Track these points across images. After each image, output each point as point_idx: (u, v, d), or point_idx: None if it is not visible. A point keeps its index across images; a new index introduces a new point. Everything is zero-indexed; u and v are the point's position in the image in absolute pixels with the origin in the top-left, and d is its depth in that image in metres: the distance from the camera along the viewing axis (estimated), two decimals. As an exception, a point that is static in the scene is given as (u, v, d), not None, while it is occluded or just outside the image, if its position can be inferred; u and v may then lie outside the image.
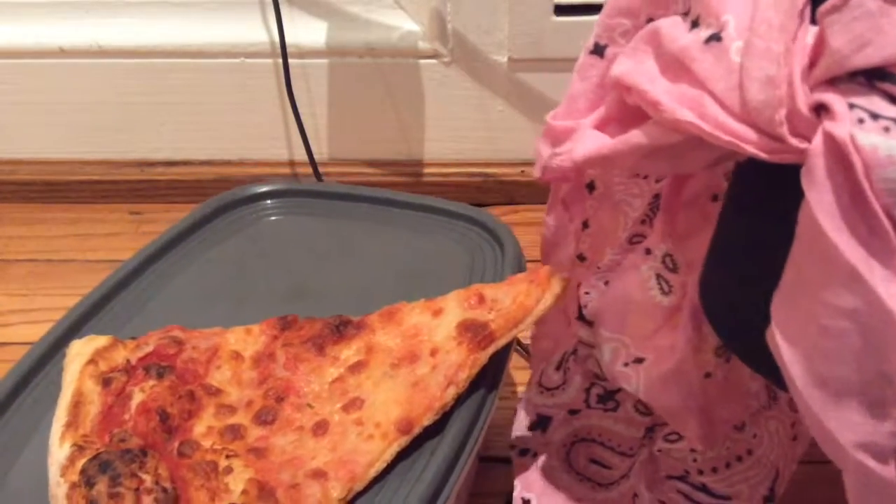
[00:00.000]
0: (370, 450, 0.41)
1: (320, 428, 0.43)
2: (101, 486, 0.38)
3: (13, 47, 0.87)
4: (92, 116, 0.91)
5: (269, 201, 0.65)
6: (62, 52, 0.87)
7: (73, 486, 0.38)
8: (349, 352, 0.46)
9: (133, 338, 0.48)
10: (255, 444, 0.42)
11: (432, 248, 0.59)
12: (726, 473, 0.50)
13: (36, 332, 0.51)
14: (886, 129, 0.26)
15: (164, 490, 0.38)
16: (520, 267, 0.55)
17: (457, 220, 0.62)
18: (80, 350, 0.46)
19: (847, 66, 0.26)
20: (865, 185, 0.25)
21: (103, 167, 0.94)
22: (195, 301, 0.55)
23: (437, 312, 0.47)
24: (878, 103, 0.26)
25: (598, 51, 0.39)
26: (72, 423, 0.42)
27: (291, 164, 0.94)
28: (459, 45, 0.85)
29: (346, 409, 0.44)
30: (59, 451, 0.41)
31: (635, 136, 0.33)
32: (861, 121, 0.26)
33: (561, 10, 0.80)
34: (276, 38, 0.83)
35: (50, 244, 0.89)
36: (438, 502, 0.41)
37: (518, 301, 0.46)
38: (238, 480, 0.40)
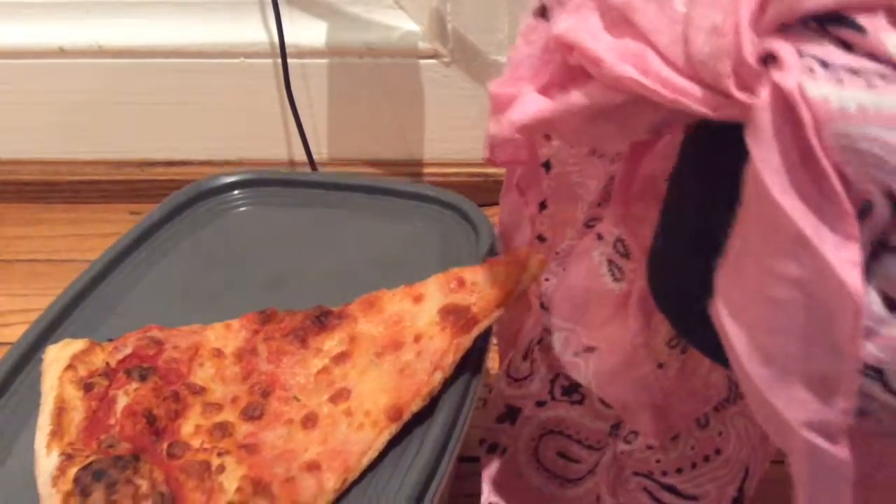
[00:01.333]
0: (362, 439, 0.41)
1: (309, 420, 0.42)
2: (98, 495, 0.37)
3: (13, 47, 0.87)
4: (92, 116, 0.92)
5: (236, 192, 0.63)
6: (62, 52, 0.87)
7: (67, 494, 0.38)
8: (332, 342, 0.46)
9: (110, 339, 0.47)
10: (245, 440, 0.42)
11: (405, 234, 0.58)
12: (692, 474, 0.48)
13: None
14: (839, 80, 0.23)
15: (161, 494, 0.38)
16: (494, 250, 0.54)
17: (429, 204, 0.60)
18: (56, 356, 0.45)
19: (798, 9, 0.24)
20: (815, 142, 0.23)
21: (103, 167, 0.94)
22: (170, 296, 0.54)
23: (417, 298, 0.47)
24: (830, 51, 0.23)
25: (542, 12, 0.37)
26: (56, 432, 0.41)
27: (291, 164, 0.94)
28: (459, 45, 0.84)
29: (333, 400, 0.43)
30: (46, 460, 0.40)
31: (576, 97, 0.31)
32: (811, 70, 0.23)
33: (560, 9, 0.79)
34: (276, 39, 0.83)
35: (50, 244, 0.89)
36: (432, 486, 0.41)
37: (498, 283, 0.45)
38: (232, 478, 0.39)
